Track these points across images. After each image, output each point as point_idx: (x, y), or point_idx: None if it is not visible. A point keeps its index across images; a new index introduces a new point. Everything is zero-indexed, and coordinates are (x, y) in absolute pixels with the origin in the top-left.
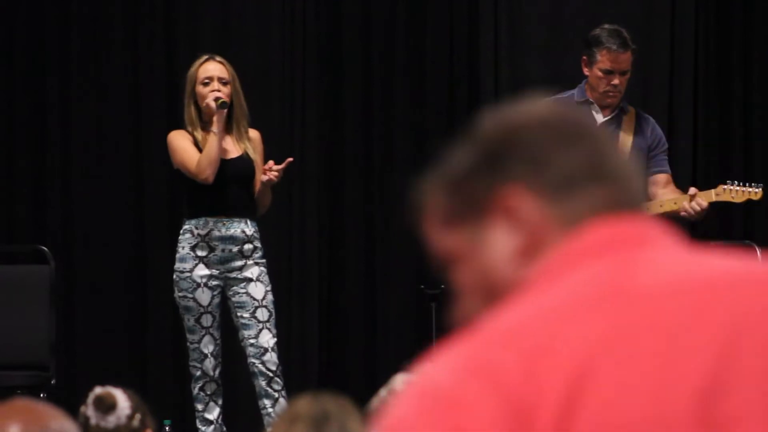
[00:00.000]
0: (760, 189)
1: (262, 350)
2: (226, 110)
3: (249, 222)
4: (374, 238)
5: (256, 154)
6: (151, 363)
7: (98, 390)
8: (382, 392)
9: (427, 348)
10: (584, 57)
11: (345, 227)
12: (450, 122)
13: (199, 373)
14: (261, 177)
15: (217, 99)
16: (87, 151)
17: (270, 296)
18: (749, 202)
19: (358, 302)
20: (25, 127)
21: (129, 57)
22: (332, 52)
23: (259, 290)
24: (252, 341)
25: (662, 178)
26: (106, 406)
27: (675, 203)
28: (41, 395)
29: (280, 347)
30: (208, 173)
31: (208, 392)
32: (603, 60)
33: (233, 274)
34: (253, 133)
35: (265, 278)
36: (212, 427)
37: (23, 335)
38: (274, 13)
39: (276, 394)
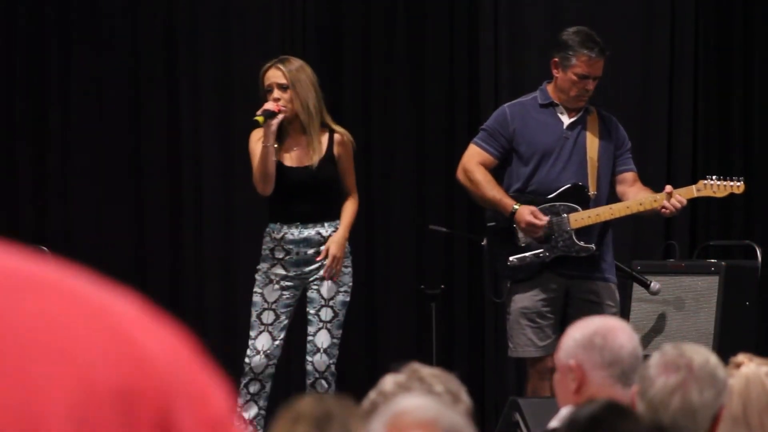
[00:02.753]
0: (742, 182)
1: (315, 349)
2: (274, 120)
3: (326, 224)
4: (374, 238)
5: (342, 158)
6: None
7: None
8: (372, 394)
9: (427, 348)
10: (555, 59)
11: None
12: (450, 122)
13: (246, 368)
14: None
15: (264, 112)
16: (87, 151)
17: (342, 297)
18: (732, 196)
19: (358, 302)
20: (25, 127)
21: (129, 56)
22: (332, 52)
23: (329, 290)
24: (310, 338)
25: (630, 176)
26: None
27: (655, 201)
28: None
29: (282, 348)
30: (260, 187)
31: (251, 391)
32: (579, 65)
33: (310, 275)
34: (337, 136)
35: (344, 278)
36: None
37: None
38: (274, 13)
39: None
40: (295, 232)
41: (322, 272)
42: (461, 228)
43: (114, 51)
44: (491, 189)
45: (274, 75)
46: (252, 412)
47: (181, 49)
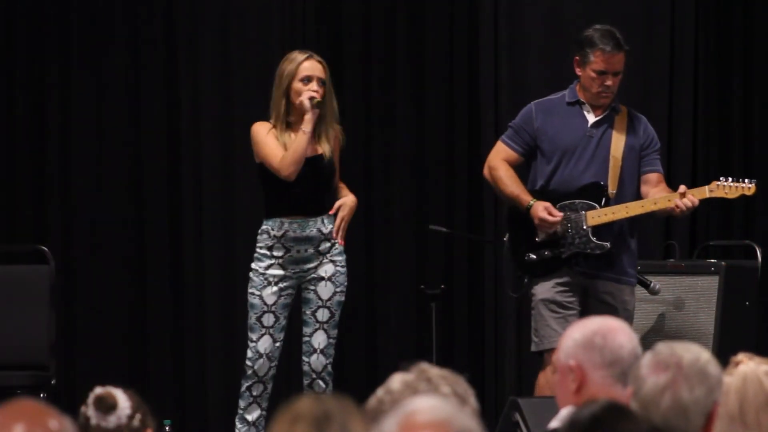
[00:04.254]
0: (753, 184)
1: (311, 350)
2: (318, 111)
3: (326, 220)
4: (374, 238)
5: (334, 152)
6: (151, 363)
7: (99, 390)
8: (379, 392)
9: (427, 348)
10: (576, 58)
11: None
12: (450, 122)
13: (249, 372)
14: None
15: (312, 98)
16: (87, 151)
17: (338, 297)
18: (743, 197)
19: (359, 302)
20: (25, 127)
21: (129, 57)
22: (332, 52)
23: (327, 290)
24: (306, 339)
25: (654, 177)
26: (107, 406)
27: (669, 200)
28: (41, 395)
29: (281, 348)
30: (291, 170)
31: (254, 393)
32: (597, 61)
33: (308, 273)
34: (331, 132)
35: (340, 277)
36: (248, 428)
37: (23, 335)
38: (274, 13)
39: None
40: (297, 230)
41: (334, 237)
42: (461, 228)
43: (114, 51)
44: (511, 185)
45: (316, 68)
46: (255, 414)
47: (181, 49)
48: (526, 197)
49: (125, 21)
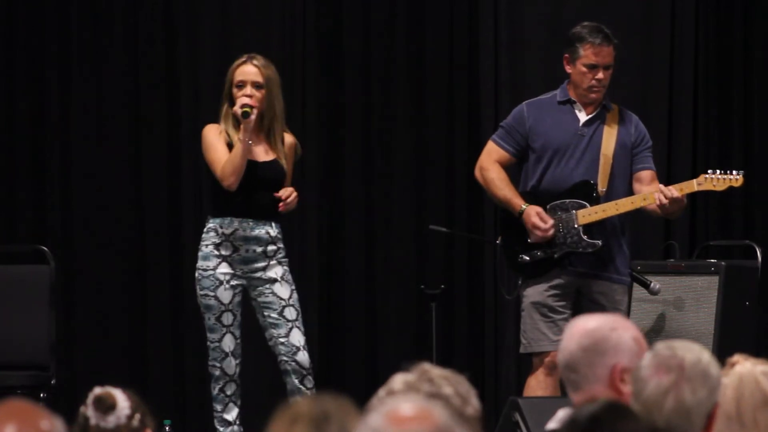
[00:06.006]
0: (741, 175)
1: (294, 349)
2: (252, 118)
3: (273, 224)
4: (374, 238)
5: (287, 159)
6: (151, 363)
7: (98, 390)
8: (381, 392)
9: (427, 348)
10: (566, 55)
11: (345, 227)
12: (450, 122)
13: (218, 372)
14: (285, 192)
15: (243, 106)
16: (87, 151)
17: (295, 295)
18: (732, 195)
19: (358, 302)
20: (25, 126)
21: (129, 57)
22: (332, 52)
23: (284, 290)
24: (282, 340)
25: (647, 174)
26: (106, 406)
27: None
28: (41, 395)
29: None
30: (231, 181)
31: (228, 393)
32: (586, 55)
33: (257, 275)
34: (288, 138)
35: (289, 278)
36: (230, 427)
37: (23, 335)
38: (274, 13)
39: (308, 392)
40: (246, 229)
41: (281, 205)
42: (461, 228)
43: (114, 51)
44: (503, 188)
45: (251, 72)
46: (234, 413)
47: (182, 49)
48: (518, 201)
49: (125, 21)
